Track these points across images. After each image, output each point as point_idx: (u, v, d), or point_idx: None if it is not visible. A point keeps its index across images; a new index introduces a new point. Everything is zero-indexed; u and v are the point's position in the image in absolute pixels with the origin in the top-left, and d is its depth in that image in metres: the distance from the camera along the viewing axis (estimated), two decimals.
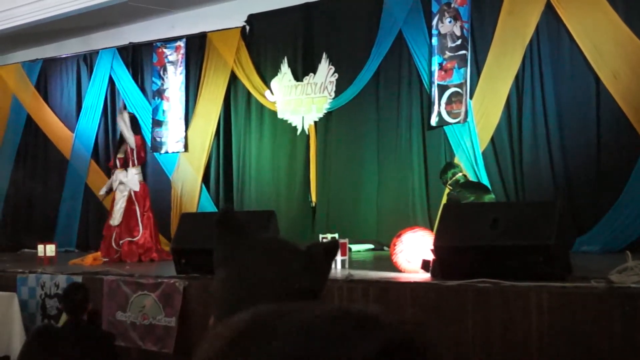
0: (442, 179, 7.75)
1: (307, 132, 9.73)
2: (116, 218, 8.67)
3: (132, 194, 8.70)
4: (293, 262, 1.36)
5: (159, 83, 10.95)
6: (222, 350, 0.70)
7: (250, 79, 10.17)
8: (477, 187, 7.60)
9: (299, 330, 0.68)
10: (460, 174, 7.55)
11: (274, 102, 9.95)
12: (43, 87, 12.24)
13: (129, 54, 11.38)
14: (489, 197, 7.23)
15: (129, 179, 8.72)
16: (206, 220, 6.29)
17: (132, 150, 8.84)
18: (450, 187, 7.52)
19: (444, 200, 7.87)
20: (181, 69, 10.80)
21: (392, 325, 0.70)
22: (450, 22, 8.64)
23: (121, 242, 8.54)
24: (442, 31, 8.69)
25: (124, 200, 8.68)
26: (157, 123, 10.90)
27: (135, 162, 8.78)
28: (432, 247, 5.35)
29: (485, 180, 8.26)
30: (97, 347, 4.82)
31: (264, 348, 0.68)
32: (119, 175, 8.78)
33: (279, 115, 9.92)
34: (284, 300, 1.04)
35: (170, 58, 10.87)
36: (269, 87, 10.01)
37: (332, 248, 1.43)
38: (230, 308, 1.16)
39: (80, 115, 11.69)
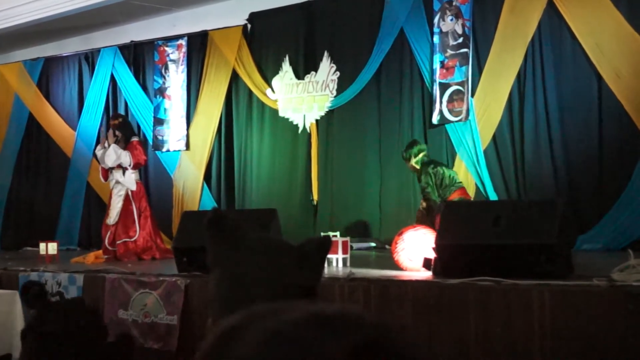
0: (406, 154, 7.78)
1: (308, 131, 9.73)
2: (112, 217, 8.64)
3: (129, 193, 8.66)
4: (285, 260, 1.36)
5: (161, 81, 10.95)
6: (202, 358, 0.71)
7: (251, 77, 10.17)
8: (437, 162, 7.72)
9: (266, 335, 0.68)
10: (423, 154, 7.64)
11: (276, 101, 9.94)
12: (45, 85, 12.25)
13: (131, 53, 11.38)
14: (449, 171, 7.39)
15: (126, 179, 8.65)
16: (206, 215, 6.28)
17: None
18: (417, 167, 7.57)
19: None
20: (183, 68, 10.80)
21: (363, 326, 0.69)
22: (451, 20, 8.63)
23: (118, 242, 8.52)
24: (444, 29, 8.69)
25: (120, 200, 8.63)
26: (158, 121, 10.90)
27: (130, 168, 8.67)
28: (434, 245, 5.35)
29: (486, 179, 8.27)
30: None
31: (232, 355, 0.68)
32: (115, 174, 8.73)
33: (281, 114, 9.91)
34: (278, 298, 1.04)
35: (172, 56, 10.88)
36: (270, 85, 10.01)
37: (324, 244, 1.43)
38: (226, 309, 1.16)
39: (82, 113, 11.70)
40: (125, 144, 8.69)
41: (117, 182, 8.68)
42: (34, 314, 4.90)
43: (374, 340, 0.67)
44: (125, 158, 8.59)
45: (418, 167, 7.61)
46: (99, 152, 8.87)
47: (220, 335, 0.71)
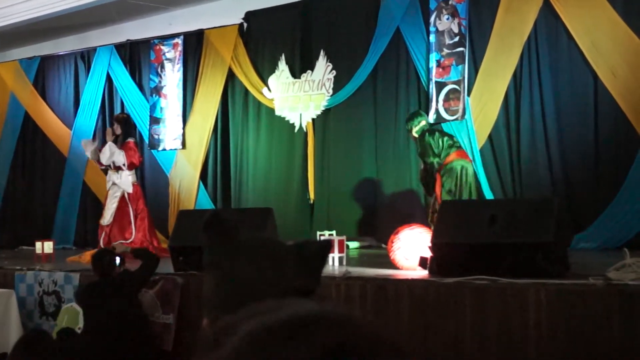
0: (408, 125, 7.84)
1: (305, 129, 9.73)
2: (106, 218, 8.63)
3: (126, 195, 8.65)
4: (285, 264, 1.35)
5: (157, 80, 10.94)
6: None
7: (247, 76, 10.16)
8: (442, 131, 7.80)
9: (241, 339, 0.70)
10: (425, 123, 7.70)
11: (272, 99, 9.94)
12: (41, 84, 12.23)
13: (127, 51, 11.36)
14: (444, 137, 7.44)
15: (122, 181, 8.64)
16: (204, 217, 6.27)
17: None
18: (416, 135, 7.64)
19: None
20: (179, 66, 10.79)
21: (330, 330, 0.70)
22: (448, 19, 8.64)
23: (114, 243, 8.50)
24: (440, 28, 8.69)
25: (115, 201, 8.62)
26: (154, 120, 10.89)
27: (125, 168, 8.66)
28: (430, 244, 5.36)
29: (482, 177, 8.27)
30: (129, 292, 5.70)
31: (214, 355, 0.70)
32: (112, 176, 8.72)
33: (277, 113, 9.91)
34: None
35: (168, 55, 10.86)
36: (266, 84, 10.00)
37: (324, 248, 1.43)
38: (222, 310, 1.16)
39: (78, 112, 11.68)
40: (121, 143, 8.70)
41: (114, 183, 8.69)
42: (102, 279, 5.71)
43: (338, 346, 0.68)
44: (119, 157, 8.59)
45: (417, 136, 7.68)
46: (86, 147, 8.98)
47: (214, 334, 0.72)
